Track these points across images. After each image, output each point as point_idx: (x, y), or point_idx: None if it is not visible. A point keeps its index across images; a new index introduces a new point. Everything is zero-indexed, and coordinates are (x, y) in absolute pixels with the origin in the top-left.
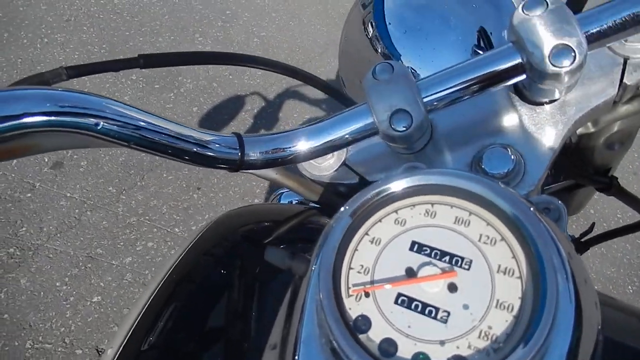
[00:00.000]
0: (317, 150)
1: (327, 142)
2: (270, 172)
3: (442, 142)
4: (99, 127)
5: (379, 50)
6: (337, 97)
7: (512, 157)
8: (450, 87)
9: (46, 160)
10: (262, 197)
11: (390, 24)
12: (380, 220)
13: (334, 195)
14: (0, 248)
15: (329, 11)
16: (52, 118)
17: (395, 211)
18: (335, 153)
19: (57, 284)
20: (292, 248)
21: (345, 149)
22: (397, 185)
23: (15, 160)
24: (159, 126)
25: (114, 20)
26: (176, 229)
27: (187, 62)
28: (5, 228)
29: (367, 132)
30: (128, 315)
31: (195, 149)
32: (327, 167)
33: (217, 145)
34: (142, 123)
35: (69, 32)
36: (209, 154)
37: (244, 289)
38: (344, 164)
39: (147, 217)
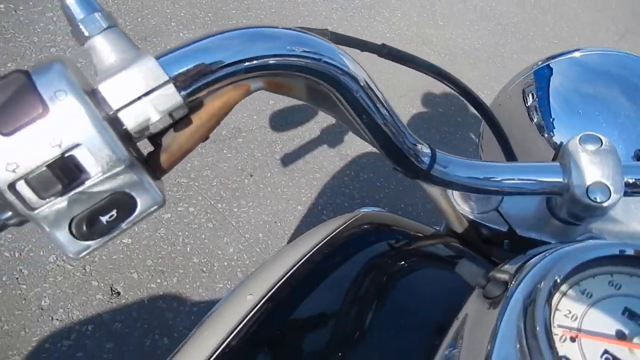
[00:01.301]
0: (495, 189)
1: (509, 183)
2: (435, 187)
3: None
4: (357, 93)
5: (534, 120)
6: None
7: None
8: None
9: None
10: (305, 205)
11: (552, 98)
12: (593, 277)
13: (474, 231)
14: None
15: None
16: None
17: (611, 274)
18: (492, 197)
19: None
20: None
21: (502, 197)
22: (620, 250)
23: None
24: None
25: None
26: (219, 205)
27: (426, 71)
28: None
29: (551, 189)
30: (265, 274)
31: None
32: (480, 206)
33: (411, 151)
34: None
35: None
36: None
37: (388, 291)
38: (496, 209)
39: (196, 183)
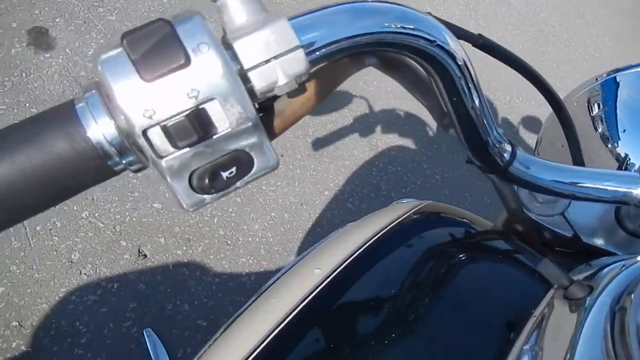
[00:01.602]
0: (568, 192)
1: (583, 188)
2: (506, 184)
3: None
4: (459, 80)
5: (599, 130)
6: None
7: None
8: None
9: None
10: (332, 191)
11: (620, 110)
12: None
13: (535, 232)
14: None
15: None
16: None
17: None
18: (560, 201)
19: (130, 175)
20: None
21: (569, 201)
22: None
23: None
24: None
25: None
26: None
27: (517, 69)
28: None
29: (626, 199)
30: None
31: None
32: (546, 208)
33: (493, 145)
34: None
35: None
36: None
37: (453, 282)
38: (562, 213)
39: None
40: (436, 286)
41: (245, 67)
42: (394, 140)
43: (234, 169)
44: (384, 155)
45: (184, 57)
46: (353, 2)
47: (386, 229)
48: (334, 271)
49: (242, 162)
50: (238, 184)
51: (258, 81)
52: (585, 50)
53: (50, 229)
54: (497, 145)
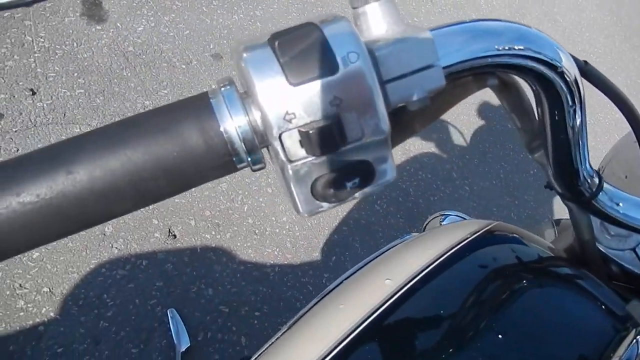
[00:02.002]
0: None
1: None
2: (584, 214)
3: None
4: (570, 107)
5: None
6: None
7: None
8: None
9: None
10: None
11: None
12: None
13: (602, 264)
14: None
15: None
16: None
17: None
18: (633, 235)
19: None
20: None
21: None
22: None
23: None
24: None
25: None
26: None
27: (618, 103)
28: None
29: None
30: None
31: None
32: (617, 242)
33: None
34: None
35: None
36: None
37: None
38: (634, 249)
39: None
40: (508, 310)
41: (384, 78)
42: (426, 147)
43: (357, 180)
44: (415, 161)
45: (333, 65)
46: (486, 20)
47: (457, 247)
48: (405, 284)
49: (365, 173)
50: (357, 194)
51: (393, 94)
52: (627, 76)
53: None
54: (587, 175)
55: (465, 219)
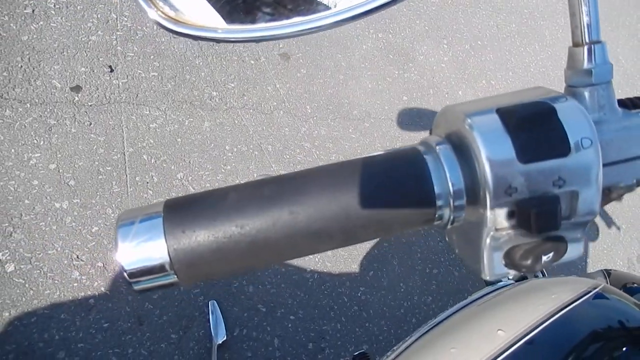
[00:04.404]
0: None
1: None
2: None
3: None
4: None
5: None
6: None
7: None
8: None
9: None
10: None
11: None
12: None
13: None
14: None
15: None
16: None
17: None
18: None
19: (226, 147)
20: None
21: None
22: None
23: None
24: None
25: None
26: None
27: None
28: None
29: None
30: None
31: None
32: None
33: None
34: None
35: None
36: None
37: None
38: None
39: (316, 152)
40: None
41: (603, 162)
42: None
43: (551, 254)
44: None
45: (567, 148)
46: None
47: (575, 303)
48: (519, 339)
49: (559, 249)
50: (545, 266)
51: (607, 178)
52: None
53: (147, 182)
54: None
55: None
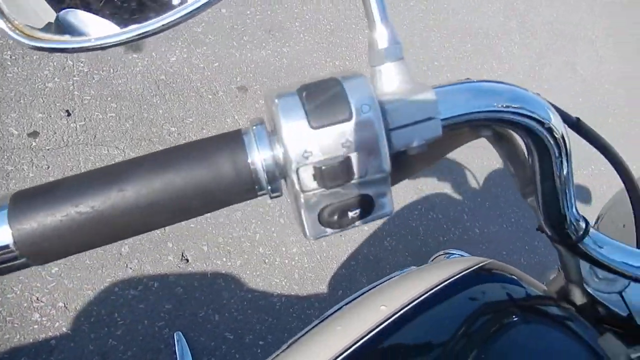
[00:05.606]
0: (633, 276)
1: None
2: (571, 256)
3: None
4: (557, 158)
5: None
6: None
7: None
8: None
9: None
10: (372, 228)
11: None
12: None
13: (590, 306)
14: None
15: None
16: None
17: None
18: (619, 280)
19: None
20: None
21: (628, 281)
22: None
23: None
24: None
25: None
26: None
27: (609, 158)
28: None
29: None
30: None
31: None
32: (604, 285)
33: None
34: None
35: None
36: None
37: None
38: (620, 293)
39: None
40: (493, 344)
41: (390, 127)
42: (439, 187)
43: (358, 210)
44: (427, 200)
45: (348, 113)
46: (485, 81)
47: (450, 280)
48: (398, 311)
49: (366, 205)
50: (357, 223)
51: (397, 140)
52: None
53: None
54: (574, 220)
55: None
